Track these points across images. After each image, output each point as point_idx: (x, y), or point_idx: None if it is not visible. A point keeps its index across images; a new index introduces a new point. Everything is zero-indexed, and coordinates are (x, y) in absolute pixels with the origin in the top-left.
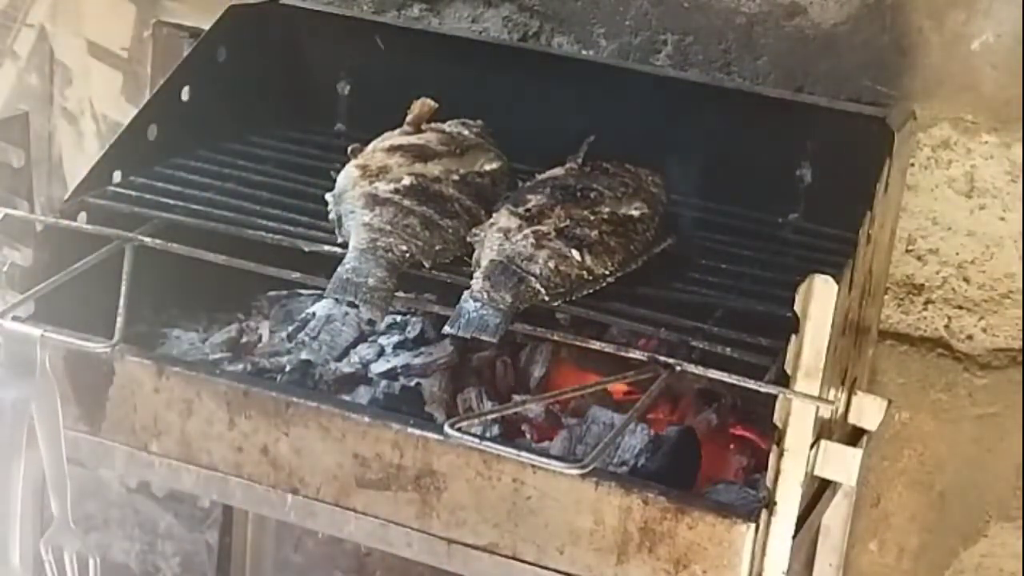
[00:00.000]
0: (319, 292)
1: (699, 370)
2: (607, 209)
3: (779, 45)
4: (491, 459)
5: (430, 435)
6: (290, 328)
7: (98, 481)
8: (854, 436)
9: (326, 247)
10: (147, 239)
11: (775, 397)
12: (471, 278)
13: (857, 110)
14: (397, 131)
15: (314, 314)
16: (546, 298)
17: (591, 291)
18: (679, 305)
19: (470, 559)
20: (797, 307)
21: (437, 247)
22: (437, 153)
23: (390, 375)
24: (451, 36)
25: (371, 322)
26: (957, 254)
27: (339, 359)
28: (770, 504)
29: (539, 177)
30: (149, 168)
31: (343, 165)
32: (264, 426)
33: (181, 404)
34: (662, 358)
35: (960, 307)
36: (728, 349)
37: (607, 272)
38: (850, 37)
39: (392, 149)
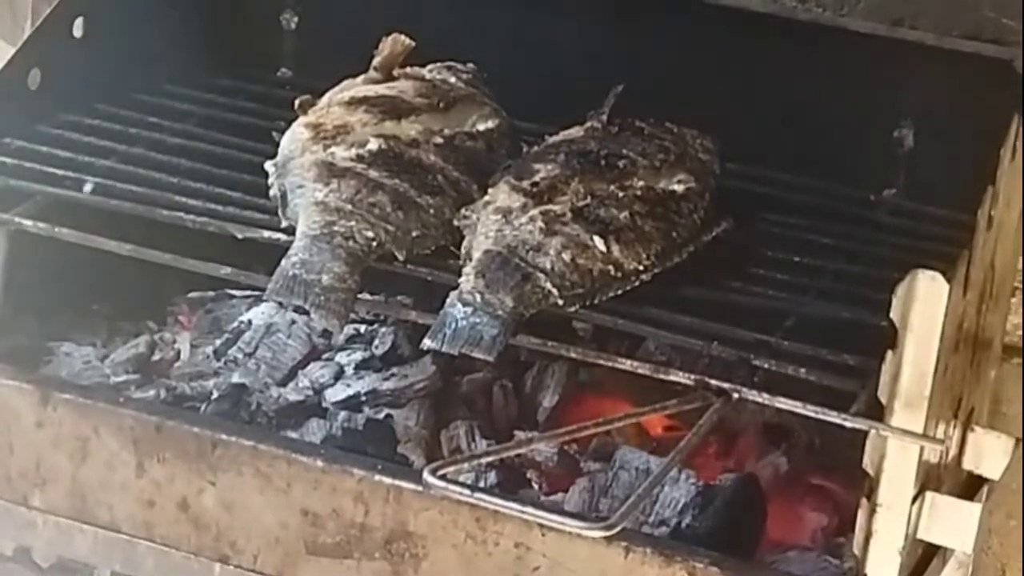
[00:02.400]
0: (257, 293)
1: (764, 398)
2: (641, 183)
3: None
4: (486, 516)
5: (405, 484)
6: (218, 342)
7: None
8: (971, 487)
9: (266, 233)
10: (27, 222)
11: (865, 434)
12: (459, 275)
13: (975, 50)
14: (360, 78)
15: (250, 323)
16: (559, 301)
17: (620, 292)
18: (737, 311)
19: None
20: (894, 314)
21: (414, 233)
22: (414, 107)
23: (351, 404)
24: None
25: (326, 333)
26: None
27: (283, 383)
28: None
29: (550, 140)
30: (30, 127)
31: (288, 123)
32: (183, 473)
33: (73, 443)
34: (714, 382)
35: None
36: (802, 370)
37: (641, 267)
38: None
39: (354, 102)
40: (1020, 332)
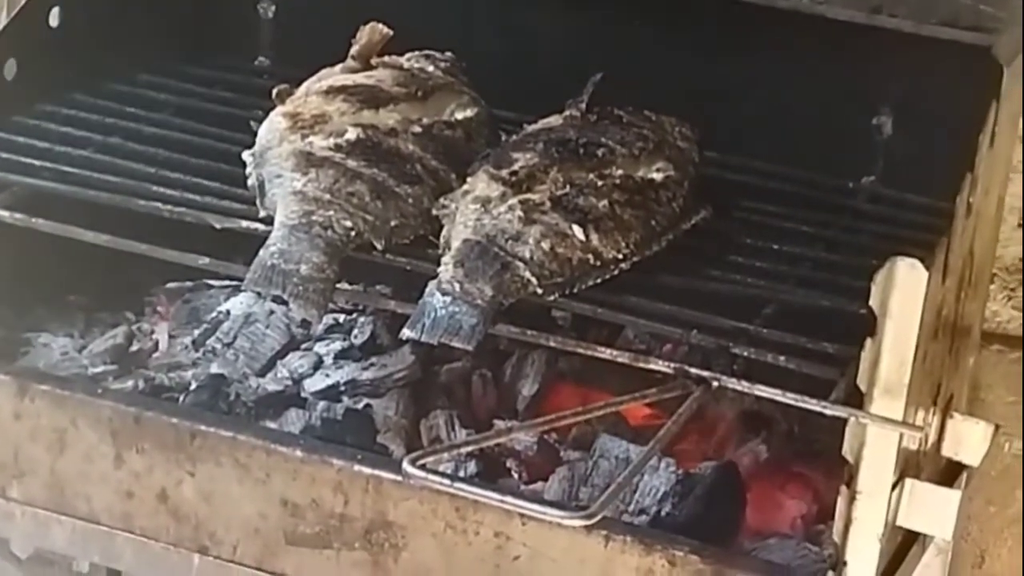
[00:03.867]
0: (235, 284)
1: (743, 386)
2: (620, 171)
3: None
4: (466, 506)
5: (384, 474)
6: (196, 332)
7: None
8: (950, 474)
9: (243, 222)
10: (3, 212)
11: (844, 422)
12: (438, 264)
13: (953, 37)
14: (339, 67)
15: (228, 313)
16: (539, 290)
17: (599, 281)
18: (716, 299)
19: None
20: (873, 301)
21: (392, 222)
22: (392, 96)
23: (330, 394)
24: None
25: (305, 323)
26: None
27: (262, 373)
28: (839, 565)
29: (529, 129)
30: (6, 117)
31: (266, 113)
32: (162, 464)
33: (50, 435)
34: (694, 370)
35: None
36: (782, 358)
37: (620, 255)
38: None
39: (332, 91)
40: (1021, 322)
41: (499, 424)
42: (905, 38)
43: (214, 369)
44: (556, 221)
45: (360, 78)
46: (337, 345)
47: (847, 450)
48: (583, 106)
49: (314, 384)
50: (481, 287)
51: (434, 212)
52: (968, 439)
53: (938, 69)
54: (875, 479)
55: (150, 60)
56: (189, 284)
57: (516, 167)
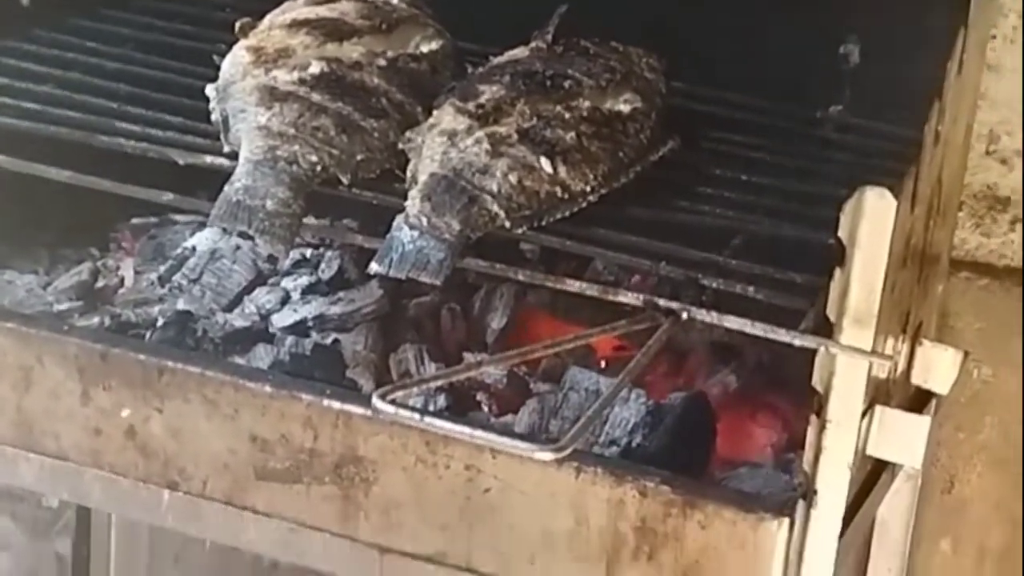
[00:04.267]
0: (201, 219)
1: (712, 317)
2: (587, 103)
3: None
4: (436, 440)
5: (353, 409)
6: (162, 268)
7: None
8: (919, 401)
9: (207, 158)
10: None
11: (813, 352)
12: (405, 198)
13: None
14: (301, 0)
15: (194, 248)
16: (507, 223)
17: (567, 214)
18: (684, 231)
19: (410, 573)
20: (842, 231)
21: (358, 157)
22: (356, 29)
23: (298, 330)
24: None
25: (271, 258)
26: None
27: (229, 309)
28: (809, 493)
29: (495, 61)
30: None
31: (229, 47)
32: (130, 400)
33: (16, 372)
34: (663, 302)
35: None
36: (750, 288)
37: (588, 188)
38: None
39: (295, 25)
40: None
41: (469, 358)
42: None
43: (181, 305)
44: (523, 154)
45: (324, 11)
46: (304, 280)
47: (816, 380)
48: (549, 38)
49: (282, 319)
50: (448, 221)
51: (400, 146)
52: (937, 366)
53: None
54: (845, 408)
55: None
56: (154, 220)
57: (482, 100)
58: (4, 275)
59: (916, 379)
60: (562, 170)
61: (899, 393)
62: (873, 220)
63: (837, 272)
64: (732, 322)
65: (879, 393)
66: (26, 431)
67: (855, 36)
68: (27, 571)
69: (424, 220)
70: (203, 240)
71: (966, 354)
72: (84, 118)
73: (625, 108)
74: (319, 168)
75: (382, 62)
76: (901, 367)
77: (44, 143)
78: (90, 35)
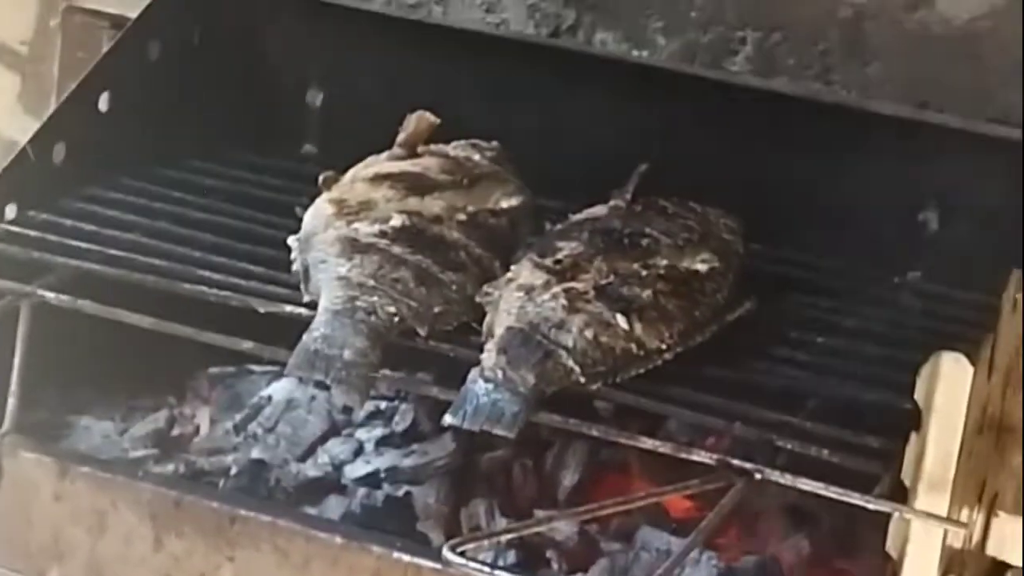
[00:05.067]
0: (278, 368)
1: (786, 479)
2: (664, 261)
3: (896, 46)
4: None
5: (423, 562)
6: (238, 417)
7: None
8: (995, 573)
9: (288, 307)
10: (49, 294)
11: (888, 517)
12: (481, 351)
13: (1002, 134)
14: (385, 155)
15: (270, 398)
16: (582, 379)
17: (642, 371)
18: (759, 391)
19: None
20: (918, 395)
21: (436, 309)
22: (438, 184)
23: (371, 481)
24: (458, 30)
25: (347, 409)
26: None
27: (303, 459)
28: None
29: (574, 218)
30: (54, 201)
31: (312, 199)
32: (202, 548)
33: (91, 517)
34: (736, 462)
35: None
36: (825, 451)
37: (664, 346)
38: (992, 36)
39: (378, 179)
40: None
41: (539, 513)
42: (952, 133)
43: (255, 454)
44: (600, 310)
45: (406, 165)
46: (378, 431)
47: (890, 546)
48: (628, 196)
49: (355, 470)
50: (524, 375)
51: (478, 299)
52: (1013, 538)
53: (985, 165)
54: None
55: (197, 146)
56: (231, 369)
57: (560, 256)
58: (81, 421)
59: (991, 550)
60: (638, 327)
61: (974, 564)
62: (949, 385)
63: (913, 436)
64: (806, 484)
65: (953, 563)
66: None
67: (934, 203)
68: None
69: (499, 373)
70: (279, 390)
71: None
72: (168, 266)
73: (702, 267)
74: (397, 319)
75: (462, 216)
76: (976, 538)
77: (127, 290)
78: (176, 185)
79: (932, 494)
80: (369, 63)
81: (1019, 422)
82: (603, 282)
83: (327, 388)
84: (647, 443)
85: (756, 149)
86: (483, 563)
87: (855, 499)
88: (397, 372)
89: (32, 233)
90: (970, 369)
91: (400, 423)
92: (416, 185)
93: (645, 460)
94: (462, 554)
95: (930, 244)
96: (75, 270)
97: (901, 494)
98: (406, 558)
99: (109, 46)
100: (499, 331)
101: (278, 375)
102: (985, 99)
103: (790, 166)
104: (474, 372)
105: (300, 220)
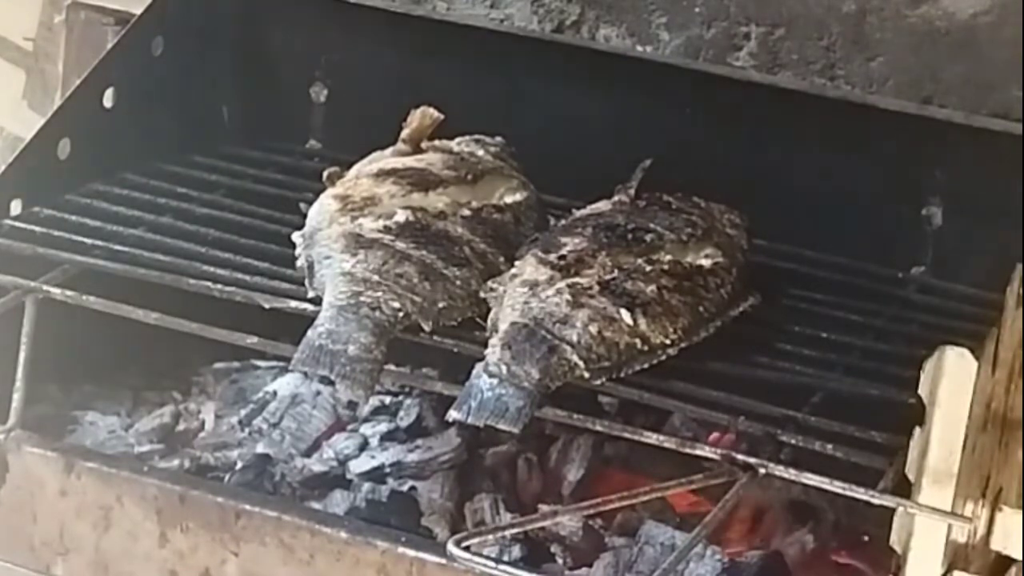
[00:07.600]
0: (283, 364)
1: (790, 474)
2: (668, 257)
3: (900, 41)
4: None
5: (428, 557)
6: (243, 412)
7: None
8: (999, 568)
9: (292, 303)
10: (54, 289)
11: (892, 511)
12: (486, 346)
13: (1003, 128)
14: (389, 150)
15: (275, 393)
16: (586, 374)
17: (646, 366)
18: (763, 387)
19: None
20: (922, 390)
21: (440, 304)
22: (442, 180)
23: (376, 476)
24: (463, 26)
25: (351, 404)
26: None
27: (308, 454)
28: None
29: (578, 213)
30: (59, 196)
31: (316, 195)
32: (206, 543)
33: (96, 512)
34: (741, 457)
35: None
36: (829, 446)
37: (668, 341)
38: (994, 31)
39: (382, 174)
40: None
41: (544, 508)
42: (955, 128)
43: (260, 449)
44: (604, 305)
45: (410, 161)
46: (383, 427)
47: (895, 540)
48: (632, 192)
49: (359, 465)
50: (528, 370)
51: (482, 295)
52: (1017, 533)
53: (988, 159)
54: (923, 570)
55: (202, 141)
56: (236, 364)
57: (564, 251)
58: (87, 415)
59: (995, 545)
60: (642, 322)
61: (978, 559)
62: (953, 380)
63: (917, 431)
64: (810, 479)
65: (958, 557)
66: (103, 571)
67: (937, 198)
68: None
69: (504, 368)
70: (284, 385)
71: None
72: (173, 261)
73: (706, 263)
74: (401, 315)
75: (466, 212)
76: (980, 532)
77: (133, 285)
78: (181, 181)
79: (936, 489)
80: (373, 59)
81: (1023, 417)
82: (607, 277)
83: (332, 383)
84: (651, 438)
85: (760, 144)
86: (488, 558)
87: (859, 494)
88: (402, 367)
89: (37, 229)
90: (974, 364)
91: (405, 418)
92: (420, 181)
93: (649, 455)
94: (467, 549)
95: (934, 239)
96: (80, 265)
97: (905, 489)
98: (411, 553)
99: (113, 42)
100: (503, 326)
101: (283, 370)
102: (989, 94)
103: (793, 161)
104: (478, 367)
105: (304, 216)
